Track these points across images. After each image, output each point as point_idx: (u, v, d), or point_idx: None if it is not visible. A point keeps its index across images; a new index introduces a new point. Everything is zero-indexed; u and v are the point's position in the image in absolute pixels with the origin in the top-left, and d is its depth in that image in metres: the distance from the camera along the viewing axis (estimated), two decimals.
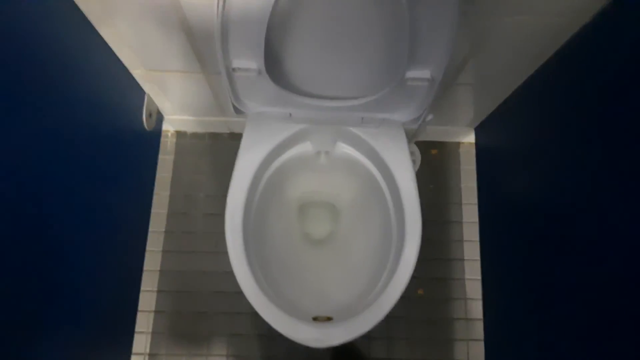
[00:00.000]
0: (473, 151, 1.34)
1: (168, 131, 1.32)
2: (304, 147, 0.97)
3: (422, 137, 1.29)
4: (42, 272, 0.76)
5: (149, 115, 1.12)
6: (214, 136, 1.33)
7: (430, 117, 0.97)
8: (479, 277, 1.25)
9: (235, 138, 1.33)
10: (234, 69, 0.72)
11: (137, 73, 0.99)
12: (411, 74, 0.73)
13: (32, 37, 0.68)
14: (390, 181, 0.90)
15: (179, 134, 1.33)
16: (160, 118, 1.25)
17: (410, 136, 1.09)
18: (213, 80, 0.99)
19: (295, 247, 1.04)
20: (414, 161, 1.20)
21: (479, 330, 1.22)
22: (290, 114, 0.86)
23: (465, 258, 1.27)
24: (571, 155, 0.83)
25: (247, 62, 0.72)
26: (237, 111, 0.85)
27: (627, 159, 0.66)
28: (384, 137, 0.90)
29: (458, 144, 1.35)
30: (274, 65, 0.75)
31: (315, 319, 0.83)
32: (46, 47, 0.72)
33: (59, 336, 0.83)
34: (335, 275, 1.00)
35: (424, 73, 0.73)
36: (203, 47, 0.85)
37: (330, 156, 0.99)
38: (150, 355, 1.18)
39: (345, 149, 0.97)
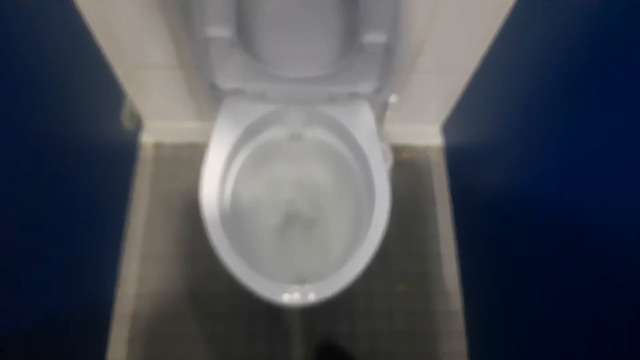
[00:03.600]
0: (442, 152, 1.41)
1: (147, 143, 1.37)
2: (278, 132, 1.03)
3: (390, 132, 1.35)
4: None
5: (129, 115, 1.18)
6: (192, 146, 1.38)
7: (393, 98, 1.05)
8: (457, 272, 1.27)
9: None
10: (208, 38, 0.80)
11: (120, 71, 1.06)
12: (368, 38, 0.81)
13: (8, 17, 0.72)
14: (360, 154, 0.96)
15: (158, 145, 1.37)
16: (139, 123, 1.30)
17: (380, 132, 1.17)
18: (191, 75, 1.06)
19: (271, 229, 1.06)
20: (386, 159, 1.25)
21: (460, 322, 1.22)
22: (263, 92, 0.93)
23: (442, 253, 1.29)
24: (532, 141, 0.87)
25: (221, 30, 0.79)
26: (213, 88, 0.91)
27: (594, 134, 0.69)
28: (351, 114, 0.97)
29: (428, 146, 1.42)
30: (245, 38, 0.82)
31: None
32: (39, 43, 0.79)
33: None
34: (311, 254, 1.02)
35: (380, 37, 0.81)
36: (181, 36, 0.93)
37: (304, 142, 1.04)
38: None
39: (317, 132, 1.02)
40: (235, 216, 0.95)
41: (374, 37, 0.81)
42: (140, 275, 1.22)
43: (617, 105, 0.63)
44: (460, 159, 1.31)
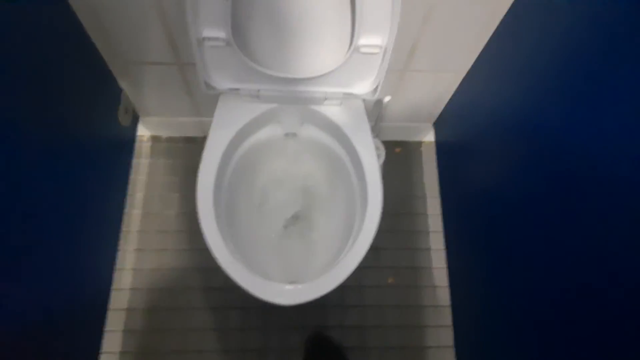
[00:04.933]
0: (434, 148, 1.42)
1: (144, 136, 1.37)
2: (273, 130, 1.03)
3: (382, 129, 1.36)
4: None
5: (125, 111, 1.18)
6: (189, 140, 1.39)
7: (387, 98, 1.06)
8: (445, 266, 1.30)
9: None
10: (203, 39, 0.80)
11: (114, 68, 1.05)
12: (364, 41, 0.81)
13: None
14: (353, 155, 0.97)
15: (154, 139, 1.38)
16: (135, 118, 1.30)
17: (374, 130, 1.17)
18: (187, 72, 1.06)
19: (266, 227, 1.07)
20: (379, 155, 1.27)
21: (448, 316, 1.25)
22: (259, 91, 0.93)
23: (432, 248, 1.32)
24: (519, 143, 0.89)
25: (216, 31, 0.79)
26: (208, 88, 0.91)
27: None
28: (346, 114, 0.97)
29: (420, 142, 1.44)
30: (241, 38, 0.82)
31: None
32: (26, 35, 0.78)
33: None
34: (304, 252, 1.04)
35: (376, 39, 0.81)
36: (176, 34, 0.93)
37: (298, 139, 1.05)
38: None
39: (311, 131, 1.03)
40: (230, 214, 0.96)
41: (370, 40, 0.82)
42: (135, 268, 1.24)
43: (612, 114, 0.64)
44: (450, 155, 1.33)
